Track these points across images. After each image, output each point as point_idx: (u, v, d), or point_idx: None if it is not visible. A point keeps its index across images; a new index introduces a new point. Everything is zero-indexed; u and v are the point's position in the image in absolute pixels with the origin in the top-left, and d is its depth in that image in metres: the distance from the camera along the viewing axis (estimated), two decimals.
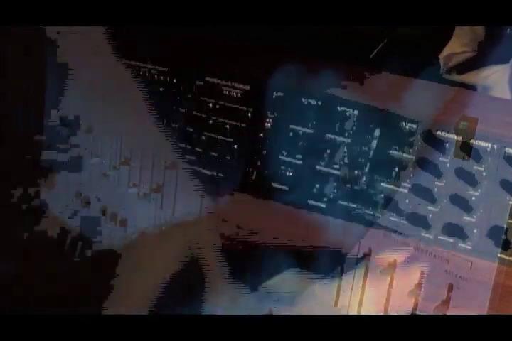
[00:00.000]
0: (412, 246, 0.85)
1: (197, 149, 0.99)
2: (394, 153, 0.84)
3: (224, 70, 0.92)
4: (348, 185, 0.88)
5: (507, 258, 0.79)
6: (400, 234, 0.85)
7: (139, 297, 1.02)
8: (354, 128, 0.85)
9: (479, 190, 0.79)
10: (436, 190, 0.82)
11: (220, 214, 1.00)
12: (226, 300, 0.98)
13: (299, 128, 0.87)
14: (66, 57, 0.82)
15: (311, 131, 0.87)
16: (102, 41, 0.95)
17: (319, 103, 0.86)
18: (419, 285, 0.85)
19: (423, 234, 0.84)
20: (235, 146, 0.95)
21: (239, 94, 0.86)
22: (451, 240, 0.82)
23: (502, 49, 0.94)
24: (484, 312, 0.80)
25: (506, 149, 0.77)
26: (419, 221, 0.84)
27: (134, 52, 0.98)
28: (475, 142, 0.79)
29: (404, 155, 0.83)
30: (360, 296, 0.90)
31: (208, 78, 0.86)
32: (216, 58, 0.94)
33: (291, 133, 0.88)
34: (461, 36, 1.00)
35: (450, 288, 0.83)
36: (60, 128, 0.97)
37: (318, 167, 0.90)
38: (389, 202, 0.85)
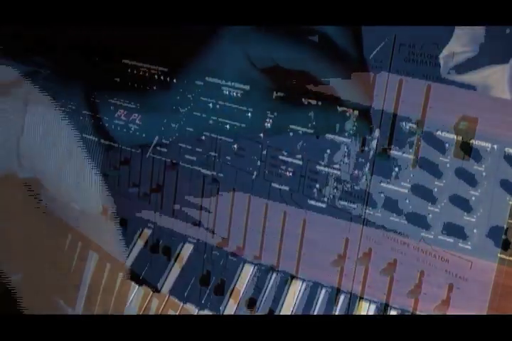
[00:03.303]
0: (412, 246, 0.85)
1: (197, 149, 0.99)
2: (394, 153, 0.84)
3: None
4: (348, 185, 0.88)
5: (507, 258, 0.79)
6: (400, 234, 0.85)
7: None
8: (354, 128, 0.85)
9: (479, 190, 0.79)
10: (436, 190, 0.82)
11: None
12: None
13: (298, 128, 0.87)
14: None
15: (311, 131, 0.87)
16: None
17: (319, 103, 0.85)
18: (419, 285, 0.85)
19: (423, 234, 0.84)
20: (235, 146, 0.95)
21: (239, 94, 0.85)
22: (451, 240, 0.82)
23: (502, 49, 0.94)
24: (484, 312, 0.80)
25: (506, 149, 0.77)
26: (419, 221, 0.83)
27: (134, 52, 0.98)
28: (475, 142, 0.79)
29: (404, 155, 0.83)
30: (360, 296, 0.90)
31: (207, 78, 0.86)
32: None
33: (291, 134, 0.88)
34: (461, 36, 1.00)
35: (450, 288, 0.83)
36: None
37: (318, 167, 0.89)
38: (389, 202, 0.85)
